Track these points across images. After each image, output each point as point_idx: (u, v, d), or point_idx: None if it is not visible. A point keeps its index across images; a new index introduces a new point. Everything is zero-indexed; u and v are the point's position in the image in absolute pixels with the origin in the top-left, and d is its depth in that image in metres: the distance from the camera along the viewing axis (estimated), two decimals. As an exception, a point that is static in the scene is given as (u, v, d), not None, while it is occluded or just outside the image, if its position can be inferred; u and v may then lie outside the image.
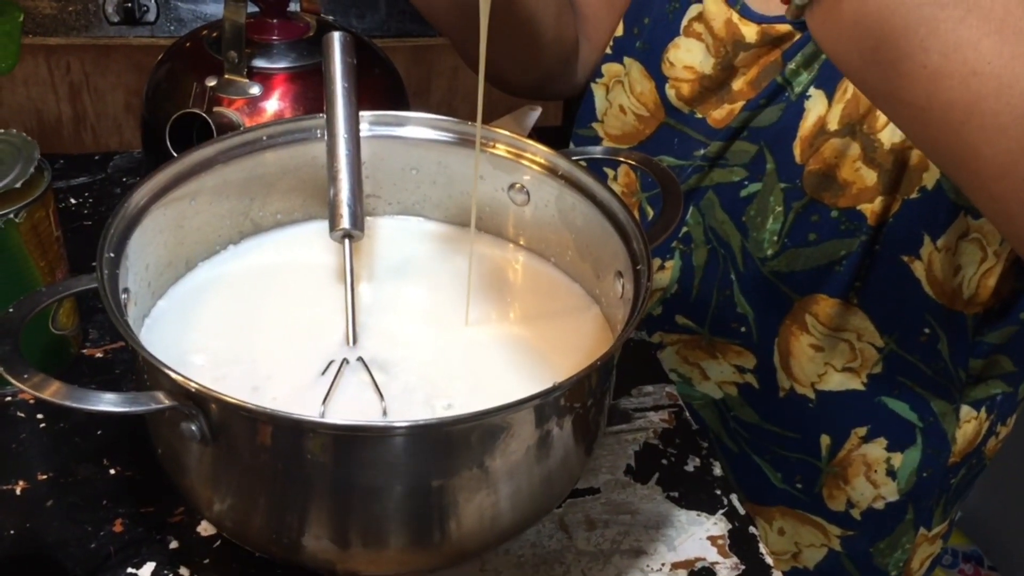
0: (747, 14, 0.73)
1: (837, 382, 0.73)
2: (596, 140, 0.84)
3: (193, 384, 0.45)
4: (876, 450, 0.74)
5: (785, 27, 0.71)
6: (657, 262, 0.77)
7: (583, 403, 0.52)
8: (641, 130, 0.79)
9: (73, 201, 0.79)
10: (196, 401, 0.46)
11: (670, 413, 0.66)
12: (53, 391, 0.45)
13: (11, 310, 0.49)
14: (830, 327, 0.71)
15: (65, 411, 0.61)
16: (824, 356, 0.72)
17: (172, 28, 1.33)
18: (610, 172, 0.83)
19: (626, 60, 0.80)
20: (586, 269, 0.63)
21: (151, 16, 1.32)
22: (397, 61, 0.85)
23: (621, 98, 0.81)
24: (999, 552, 1.61)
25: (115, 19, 1.31)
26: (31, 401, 0.62)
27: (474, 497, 0.50)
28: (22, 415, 0.61)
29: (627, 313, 0.53)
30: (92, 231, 0.76)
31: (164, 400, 0.46)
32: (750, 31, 0.72)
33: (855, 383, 0.72)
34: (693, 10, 0.75)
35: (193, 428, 0.47)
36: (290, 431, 0.47)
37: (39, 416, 0.61)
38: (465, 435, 0.48)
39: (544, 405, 0.49)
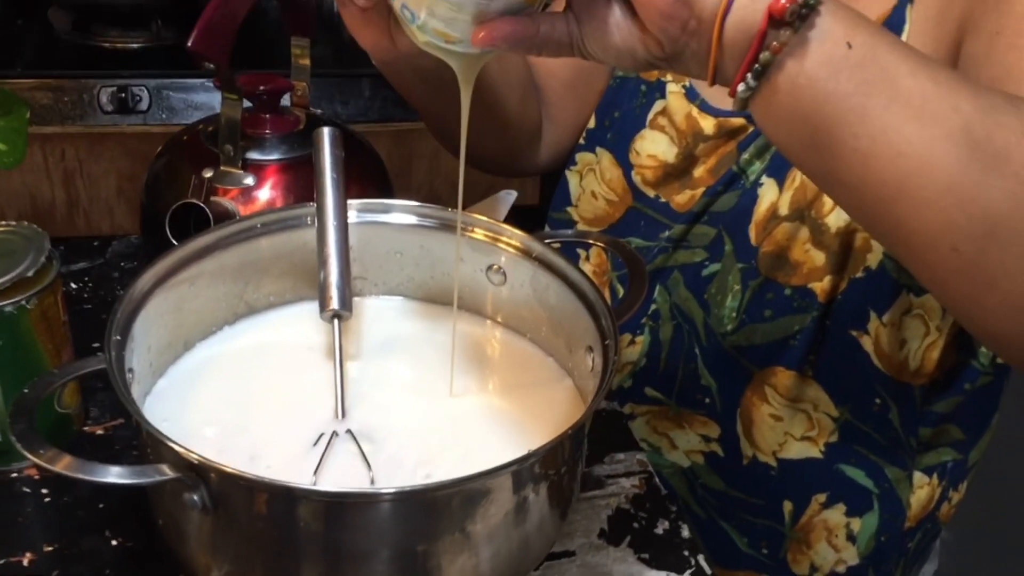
0: (706, 108, 0.79)
1: (797, 450, 0.77)
2: (571, 223, 0.89)
3: (195, 456, 0.49)
4: (836, 515, 0.78)
5: (740, 120, 0.77)
6: (627, 337, 0.82)
7: (557, 469, 0.56)
8: (611, 213, 0.85)
9: (73, 285, 0.83)
10: (198, 472, 0.50)
11: (640, 479, 0.70)
12: (65, 464, 0.49)
13: (26, 391, 0.53)
14: (788, 398, 0.75)
15: (68, 486, 0.65)
16: (784, 426, 0.76)
17: (164, 116, 1.39)
18: (582, 253, 0.89)
19: (598, 150, 0.86)
20: (559, 344, 0.68)
21: (143, 105, 1.38)
22: (380, 144, 0.90)
23: (593, 184, 0.87)
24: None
25: (109, 108, 1.37)
26: (36, 477, 0.65)
27: (457, 560, 0.54)
28: (27, 490, 0.64)
29: (596, 384, 0.58)
30: (92, 314, 0.80)
31: (168, 472, 0.50)
32: (708, 124, 0.78)
33: (814, 451, 0.77)
34: (658, 105, 0.82)
35: (195, 498, 0.51)
36: (284, 498, 0.51)
37: (44, 491, 0.64)
38: (447, 500, 0.52)
39: (521, 471, 0.53)
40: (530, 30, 0.49)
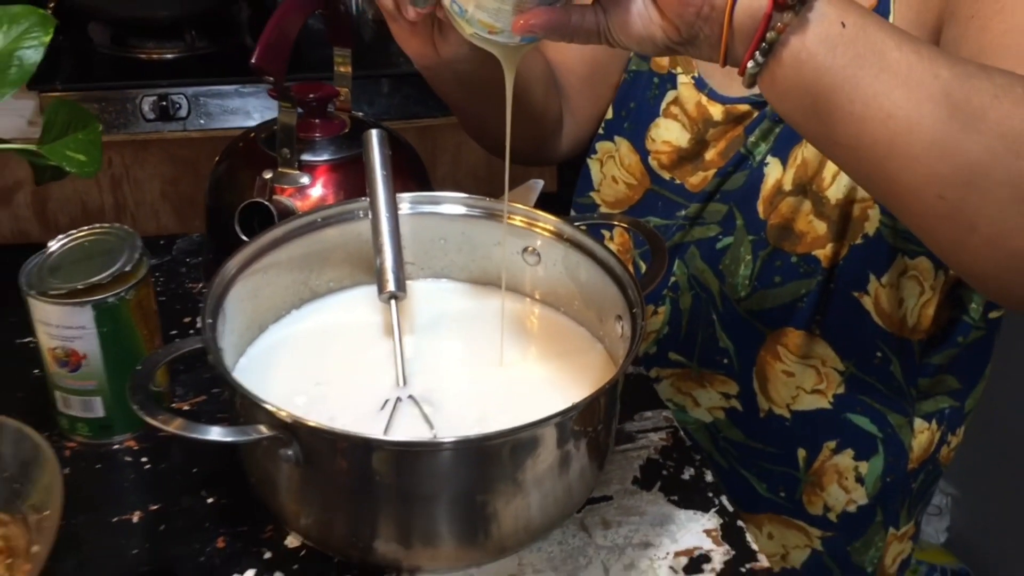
0: (714, 96, 0.87)
1: (808, 402, 0.85)
2: (593, 207, 0.97)
3: (289, 416, 0.58)
4: (845, 460, 0.87)
5: (745, 107, 0.85)
6: (651, 308, 0.90)
7: (594, 425, 0.64)
8: (631, 196, 0.93)
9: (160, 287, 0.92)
10: (291, 430, 0.59)
11: (667, 433, 0.78)
12: (178, 425, 0.58)
13: (139, 367, 0.61)
14: (799, 355, 0.83)
15: (164, 454, 0.73)
16: (795, 380, 0.85)
17: (202, 122, 1.47)
18: (606, 234, 0.97)
19: (616, 139, 0.94)
20: (591, 315, 0.76)
21: (183, 112, 1.46)
22: (424, 140, 0.98)
23: (613, 170, 0.95)
24: (986, 572, 1.71)
25: (151, 116, 1.46)
26: (135, 447, 0.74)
27: (511, 502, 0.62)
28: (129, 459, 0.73)
29: (626, 348, 0.66)
30: (166, 305, 0.88)
31: (265, 431, 0.59)
32: (717, 111, 0.86)
33: (823, 403, 0.85)
34: (670, 95, 0.90)
35: (289, 453, 0.59)
36: (362, 449, 0.60)
37: (143, 459, 0.73)
38: (499, 449, 0.60)
39: (563, 423, 0.61)
40: (563, 19, 0.57)
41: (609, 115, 0.95)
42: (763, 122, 0.83)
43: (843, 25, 0.54)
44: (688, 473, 0.74)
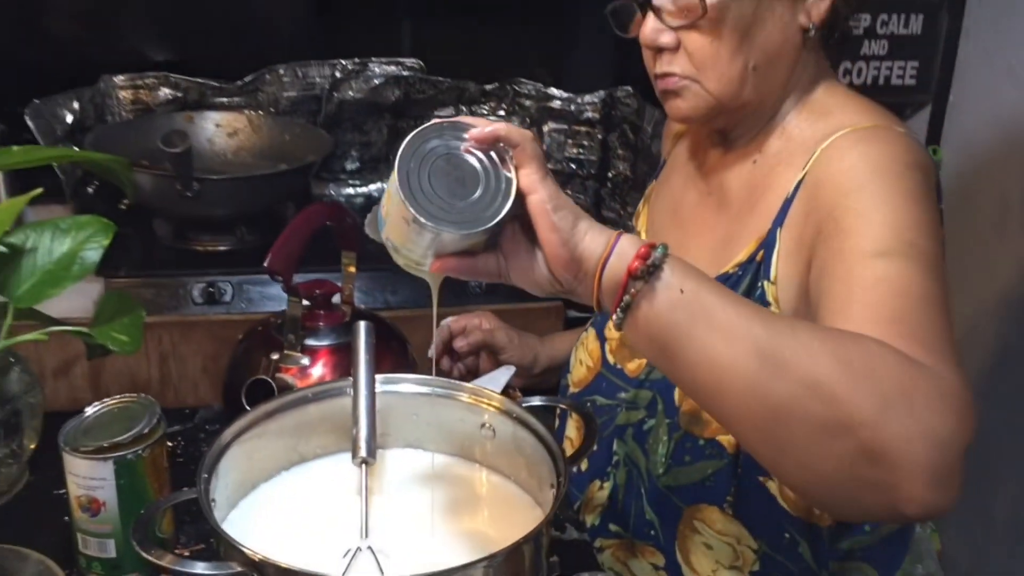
0: None
1: None
2: (566, 388, 1.11)
3: (258, 555, 0.71)
4: (767, 637, 0.95)
5: None
6: (597, 483, 1.02)
7: (520, 573, 0.76)
8: (587, 378, 1.07)
9: (170, 444, 1.07)
10: (259, 568, 0.71)
11: (601, 592, 0.88)
12: (168, 560, 0.72)
13: (143, 512, 0.76)
14: (715, 530, 0.94)
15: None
16: (714, 554, 0.95)
17: (243, 306, 1.65)
18: (572, 414, 1.10)
19: (590, 329, 1.09)
20: (533, 483, 0.89)
21: (227, 297, 1.65)
22: (418, 326, 1.14)
23: (582, 355, 1.10)
24: None
25: (199, 300, 1.64)
26: (142, 585, 0.87)
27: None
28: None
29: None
30: (183, 465, 1.03)
31: (236, 567, 0.72)
32: None
33: None
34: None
35: (255, 589, 0.72)
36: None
37: (147, 595, 0.86)
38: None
39: (489, 567, 0.73)
40: (469, 265, 0.73)
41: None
42: None
43: (681, 291, 0.69)
44: (614, 628, 0.84)
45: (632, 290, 0.68)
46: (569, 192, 2.08)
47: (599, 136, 2.06)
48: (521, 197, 0.71)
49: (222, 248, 1.75)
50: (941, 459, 0.65)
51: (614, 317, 0.70)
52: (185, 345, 1.67)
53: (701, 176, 1.01)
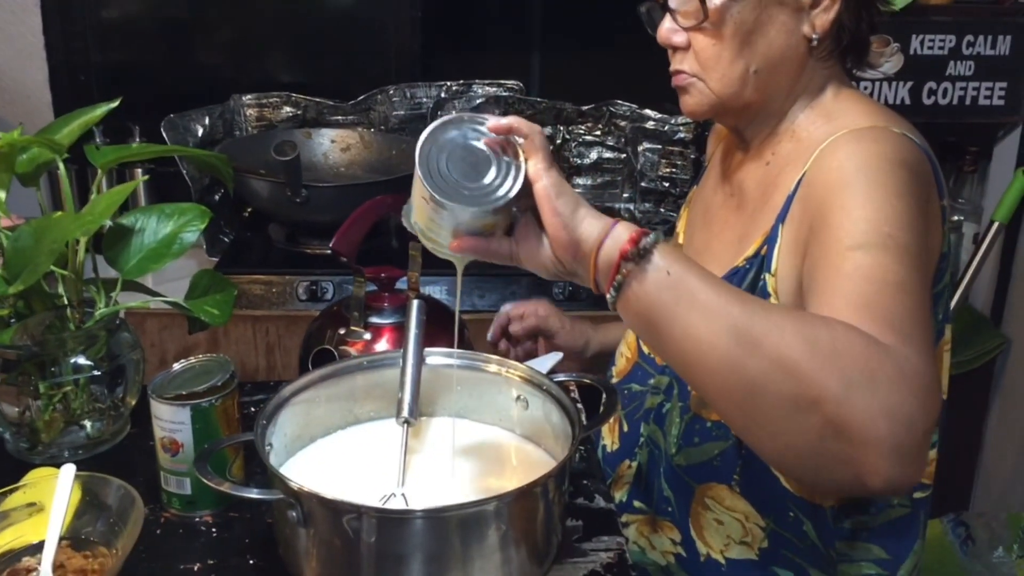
0: None
1: (738, 552, 1.00)
2: (610, 379, 1.18)
3: (295, 484, 0.82)
4: (775, 609, 0.99)
5: None
6: (627, 463, 1.09)
7: (533, 519, 0.84)
8: (627, 368, 1.14)
9: (252, 409, 1.20)
10: (296, 495, 0.82)
11: (615, 555, 0.95)
12: (227, 486, 0.83)
13: (205, 446, 0.88)
14: (725, 507, 0.99)
15: (228, 527, 0.98)
16: (725, 529, 0.99)
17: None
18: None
19: None
20: (558, 449, 0.97)
21: (328, 295, 1.79)
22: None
23: (623, 347, 1.17)
24: None
25: (303, 297, 1.80)
26: (209, 520, 0.99)
27: (458, 572, 0.82)
28: (203, 528, 0.98)
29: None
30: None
31: (278, 493, 0.83)
32: None
33: (751, 554, 0.99)
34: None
35: (294, 514, 0.82)
36: (344, 512, 0.82)
37: (213, 530, 0.97)
38: (450, 522, 0.81)
39: (501, 506, 0.81)
40: (484, 246, 0.81)
41: None
42: None
43: (668, 273, 0.75)
44: (623, 586, 0.91)
45: (624, 270, 0.76)
46: (662, 211, 2.15)
47: (691, 156, 2.12)
48: (529, 186, 0.79)
49: (328, 251, 1.90)
50: (904, 436, 0.69)
51: (608, 296, 0.78)
52: (289, 337, 1.82)
53: (727, 178, 1.07)
